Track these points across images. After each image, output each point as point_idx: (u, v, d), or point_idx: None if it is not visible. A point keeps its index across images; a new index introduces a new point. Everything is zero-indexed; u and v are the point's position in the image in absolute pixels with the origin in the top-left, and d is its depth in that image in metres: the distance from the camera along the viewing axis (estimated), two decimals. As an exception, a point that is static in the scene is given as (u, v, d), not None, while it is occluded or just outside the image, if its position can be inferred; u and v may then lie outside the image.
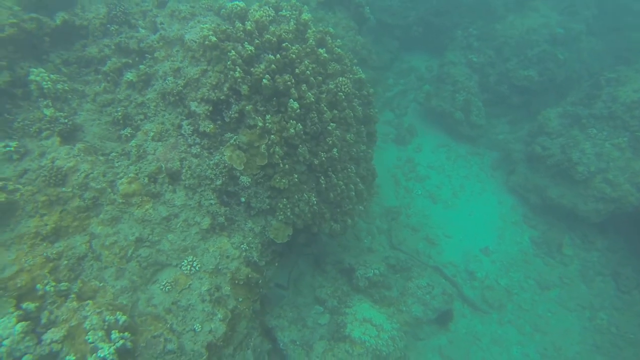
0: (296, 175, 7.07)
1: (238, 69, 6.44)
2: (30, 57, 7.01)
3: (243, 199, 7.03)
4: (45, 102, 6.55)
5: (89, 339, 4.81)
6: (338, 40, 7.77)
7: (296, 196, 7.24)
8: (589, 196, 9.77)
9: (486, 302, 9.69)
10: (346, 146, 7.62)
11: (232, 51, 6.41)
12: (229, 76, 6.49)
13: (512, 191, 11.27)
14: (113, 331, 4.91)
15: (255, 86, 6.66)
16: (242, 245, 6.72)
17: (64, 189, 6.10)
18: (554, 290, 9.78)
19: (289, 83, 6.65)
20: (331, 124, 7.12)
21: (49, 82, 6.57)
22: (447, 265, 10.28)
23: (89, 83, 7.10)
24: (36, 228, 5.80)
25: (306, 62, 6.81)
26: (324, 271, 9.85)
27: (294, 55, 6.74)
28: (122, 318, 5.08)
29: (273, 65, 6.57)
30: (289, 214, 7.24)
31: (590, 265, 10.05)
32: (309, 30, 7.18)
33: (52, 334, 4.84)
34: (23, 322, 4.81)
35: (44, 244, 5.75)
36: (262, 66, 6.56)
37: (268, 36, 6.62)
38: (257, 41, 6.62)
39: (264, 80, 6.50)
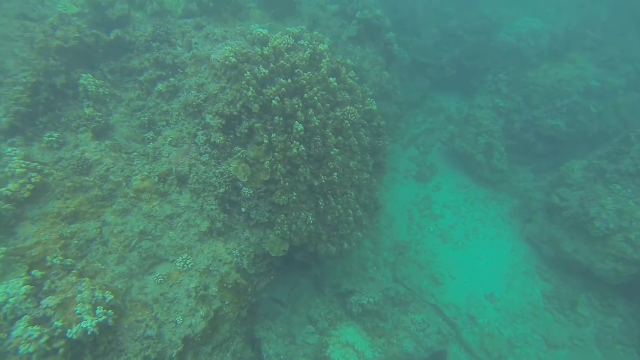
0: (295, 194, 7.46)
1: (251, 89, 7.10)
2: (85, 64, 8.13)
3: (244, 209, 7.50)
4: (87, 103, 7.55)
5: (77, 310, 5.36)
6: (352, 72, 8.25)
7: (294, 214, 7.61)
8: (608, 255, 9.24)
9: (485, 350, 9.28)
10: (349, 172, 7.92)
11: (248, 72, 7.10)
12: (243, 95, 7.16)
13: (527, 241, 10.88)
14: (99, 307, 5.43)
15: (266, 106, 7.26)
16: (234, 252, 7.14)
17: (87, 178, 6.93)
18: (563, 350, 9.18)
19: (296, 106, 7.20)
20: (334, 149, 7.52)
21: (93, 87, 7.59)
22: (449, 307, 10.02)
23: (127, 90, 8.08)
24: (59, 209, 6.60)
25: (315, 89, 7.34)
26: (323, 293, 9.98)
27: (304, 82, 7.31)
28: (110, 297, 5.61)
29: (284, 89, 7.17)
30: (286, 229, 7.60)
31: (610, 332, 9.34)
32: (324, 60, 7.75)
33: (49, 301, 5.44)
34: (28, 286, 5.48)
35: (62, 224, 6.51)
36: (274, 89, 7.17)
37: (282, 62, 7.26)
38: (272, 65, 7.28)
39: (273, 101, 7.10)
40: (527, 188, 11.62)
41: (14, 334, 5.16)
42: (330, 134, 7.53)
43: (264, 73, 7.13)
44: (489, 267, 10.57)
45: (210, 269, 6.88)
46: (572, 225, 9.82)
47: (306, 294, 10.20)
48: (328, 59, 7.84)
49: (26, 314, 5.35)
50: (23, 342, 5.06)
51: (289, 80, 7.26)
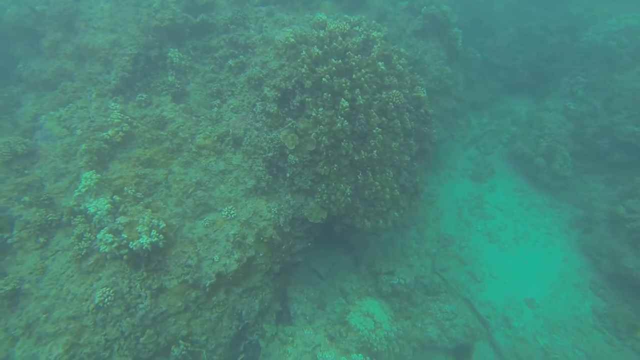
0: (336, 166, 8.07)
1: (305, 67, 7.88)
2: (174, 41, 9.60)
3: (288, 174, 8.30)
4: (171, 72, 8.98)
5: (138, 229, 6.59)
6: (403, 59, 8.61)
7: (334, 184, 8.22)
8: (676, 276, 8.27)
9: (516, 354, 8.93)
10: (389, 152, 8.32)
11: (304, 52, 7.89)
12: (298, 71, 7.97)
13: (584, 252, 10.10)
14: (153, 230, 6.61)
15: (317, 83, 7.98)
16: (273, 210, 7.95)
17: (162, 132, 8.30)
18: (607, 372, 8.48)
19: (343, 85, 7.82)
20: (377, 128, 7.99)
21: (177, 59, 9.00)
22: (484, 305, 9.79)
23: (204, 64, 9.37)
24: (139, 155, 8.02)
25: (363, 70, 7.89)
26: (359, 270, 10.42)
27: (354, 63, 7.90)
28: (162, 225, 6.77)
29: (334, 68, 7.84)
30: (325, 198, 8.26)
31: None
32: (375, 46, 8.24)
33: (121, 219, 6.75)
34: (109, 205, 6.88)
35: (139, 167, 7.90)
36: (325, 67, 7.87)
37: (335, 44, 7.92)
38: (326, 47, 7.98)
39: (323, 79, 7.80)
40: (592, 197, 10.75)
41: (98, 237, 6.54)
42: (374, 113, 8.01)
43: (318, 53, 7.86)
44: (535, 272, 10.07)
45: (250, 221, 7.77)
46: (637, 239, 8.95)
47: (345, 270, 10.73)
48: (379, 45, 8.32)
49: (106, 226, 6.74)
50: (102, 243, 6.42)
51: (340, 61, 7.90)
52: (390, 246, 11.25)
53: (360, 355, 7.27)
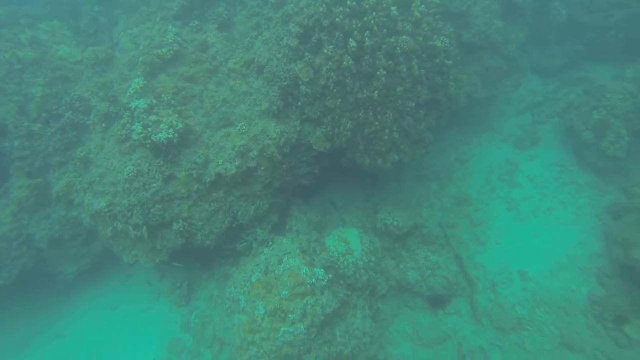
0: (339, 100, 8.75)
1: (324, 6, 8.49)
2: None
3: (299, 103, 9.25)
4: (222, 4, 10.33)
5: (161, 126, 8.39)
6: (423, 6, 8.51)
7: (337, 118, 8.97)
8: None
9: (489, 316, 9.00)
10: (393, 95, 8.62)
11: (323, -9, 8.46)
12: (317, 10, 8.61)
13: (605, 239, 9.16)
14: (171, 129, 8.33)
15: (333, 23, 8.55)
16: (278, 130, 9.05)
17: (204, 55, 9.85)
18: (577, 355, 8.08)
19: (353, 26, 8.27)
20: (381, 70, 8.35)
21: (230, -8, 10.30)
22: (478, 267, 9.81)
23: (253, -1, 10.52)
24: (183, 72, 9.72)
25: (375, 14, 8.18)
26: (366, 208, 11.18)
27: (367, 6, 8.23)
28: (180, 125, 8.44)
29: (348, 9, 8.30)
30: (329, 129, 9.11)
31: None
32: (393, -10, 8.34)
33: (152, 117, 8.62)
34: (146, 105, 8.77)
35: (182, 81, 9.65)
36: (341, 8, 8.36)
37: (352, -15, 8.28)
38: (344, -12, 8.40)
39: (337, 19, 8.35)
40: (638, 183, 9.41)
41: (133, 127, 8.56)
42: (381, 56, 8.34)
43: (335, -7, 8.36)
44: (542, 247, 9.59)
45: (257, 137, 9.04)
46: None
47: (355, 207, 11.58)
48: (398, -11, 8.37)
49: (141, 121, 8.70)
50: (134, 133, 8.42)
51: (354, 3, 8.29)
52: (406, 195, 11.64)
53: (322, 270, 8.32)
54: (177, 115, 8.84)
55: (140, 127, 8.39)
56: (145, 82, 9.13)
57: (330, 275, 8.40)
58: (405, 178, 11.97)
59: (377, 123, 8.75)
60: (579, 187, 10.33)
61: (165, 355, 9.69)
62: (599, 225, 9.58)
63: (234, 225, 9.20)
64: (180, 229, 8.55)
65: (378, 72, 8.38)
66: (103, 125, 9.42)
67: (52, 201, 9.78)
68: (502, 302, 9.09)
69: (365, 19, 8.29)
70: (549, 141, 11.44)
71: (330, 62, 8.63)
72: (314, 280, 8.03)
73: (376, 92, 8.46)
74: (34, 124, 9.64)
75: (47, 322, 10.69)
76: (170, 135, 8.25)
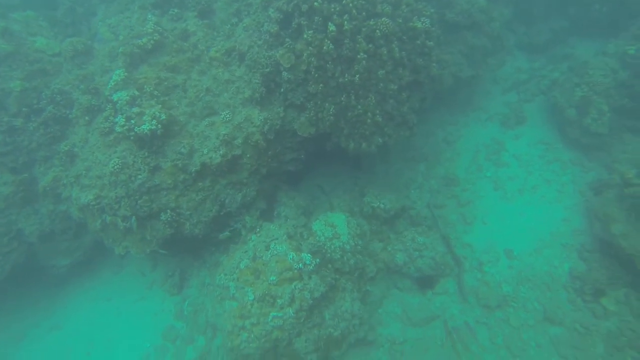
0: (321, 85, 8.73)
1: (302, -11, 8.37)
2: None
3: (282, 89, 9.22)
4: (202, -9, 10.19)
5: (144, 118, 8.36)
6: (402, -14, 8.43)
7: (320, 102, 8.96)
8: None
9: (476, 295, 9.21)
10: (374, 79, 8.61)
11: (301, -25, 8.33)
12: (296, -6, 8.51)
13: (587, 215, 9.33)
14: (154, 120, 8.31)
15: (312, 7, 8.46)
16: (262, 117, 9.05)
17: (185, 43, 9.75)
18: (558, 328, 8.33)
19: (332, 9, 8.20)
20: (362, 54, 8.31)
21: (208, -22, 10.12)
22: (465, 246, 9.99)
23: (232, -15, 10.35)
24: (165, 62, 9.64)
25: (353, -4, 8.09)
26: (353, 191, 11.26)
27: (345, -12, 8.13)
28: (163, 116, 8.43)
29: (326, -8, 8.19)
30: (312, 115, 9.11)
31: (629, 334, 7.84)
32: (372, -29, 8.24)
33: (134, 109, 8.59)
34: (128, 97, 8.72)
35: (164, 71, 9.57)
36: (318, -8, 8.26)
37: (329, -33, 8.17)
38: (322, -30, 8.27)
39: (315, 3, 8.26)
40: (619, 158, 9.53)
41: (116, 120, 8.54)
42: (361, 39, 8.30)
43: (312, -24, 8.24)
44: (527, 225, 9.77)
45: (241, 125, 9.03)
46: (632, 207, 8.02)
47: (343, 190, 11.65)
48: (377, -30, 8.27)
49: (124, 113, 8.66)
50: (117, 125, 8.40)
51: (332, -15, 8.20)
52: (394, 177, 11.73)
53: (309, 255, 8.44)
54: (160, 106, 8.80)
55: (124, 120, 8.37)
56: (126, 73, 9.05)
57: (318, 260, 8.55)
58: (393, 160, 12.04)
59: (359, 107, 8.77)
60: (563, 165, 10.45)
61: (160, 343, 9.89)
62: (582, 201, 9.74)
63: (222, 213, 9.28)
64: (169, 219, 8.62)
65: (359, 56, 8.35)
66: (86, 118, 9.37)
67: (40, 196, 9.81)
68: (489, 281, 9.30)
69: (344, 2, 8.22)
70: (534, 119, 11.51)
71: (310, 48, 8.57)
72: (301, 265, 8.17)
73: (357, 75, 8.44)
74: (15, 119, 9.57)
75: (43, 315, 10.84)
76: (153, 127, 8.24)
